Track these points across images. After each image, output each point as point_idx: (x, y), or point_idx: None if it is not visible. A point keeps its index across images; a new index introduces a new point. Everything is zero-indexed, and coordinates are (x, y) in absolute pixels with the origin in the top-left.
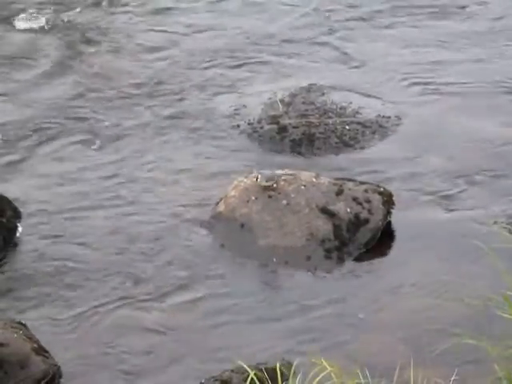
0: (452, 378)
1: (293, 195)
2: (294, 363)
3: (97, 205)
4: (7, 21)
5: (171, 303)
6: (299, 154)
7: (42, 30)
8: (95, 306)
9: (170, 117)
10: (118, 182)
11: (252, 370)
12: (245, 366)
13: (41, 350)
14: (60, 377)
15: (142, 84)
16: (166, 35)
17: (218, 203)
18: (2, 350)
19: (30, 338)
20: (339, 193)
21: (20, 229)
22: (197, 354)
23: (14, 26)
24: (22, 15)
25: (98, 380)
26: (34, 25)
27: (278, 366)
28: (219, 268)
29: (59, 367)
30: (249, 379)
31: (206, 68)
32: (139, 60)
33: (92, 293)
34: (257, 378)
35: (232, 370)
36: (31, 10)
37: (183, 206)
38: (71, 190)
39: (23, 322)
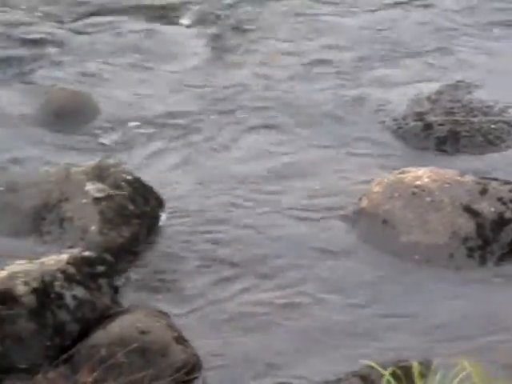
0: None
1: (437, 193)
2: (433, 362)
3: (238, 198)
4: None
5: (309, 297)
6: (444, 151)
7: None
8: (238, 299)
9: (316, 110)
10: (262, 175)
11: (389, 367)
12: (372, 364)
13: (181, 340)
14: (200, 367)
15: (293, 77)
16: (317, 28)
17: (360, 198)
18: (144, 337)
19: (172, 327)
20: (483, 192)
21: (163, 218)
22: (331, 350)
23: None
24: (180, 11)
25: (237, 372)
26: (189, 21)
27: (415, 364)
28: (360, 263)
29: (199, 357)
30: (385, 376)
31: (358, 61)
32: (291, 55)
33: (234, 285)
34: (394, 375)
35: (370, 366)
36: (188, 7)
37: (326, 199)
38: (215, 182)
39: (165, 311)
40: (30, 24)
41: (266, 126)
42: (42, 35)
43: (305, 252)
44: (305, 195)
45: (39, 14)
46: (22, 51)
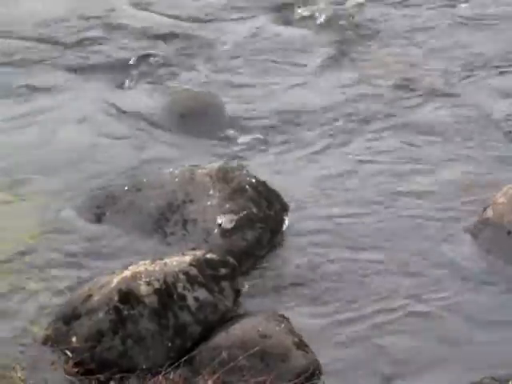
0: None
1: None
2: None
3: (364, 203)
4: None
5: (431, 307)
6: None
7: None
8: (360, 305)
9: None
10: (383, 181)
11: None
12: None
13: (302, 345)
14: (320, 373)
15: (411, 81)
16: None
17: (485, 209)
18: (265, 341)
19: (292, 331)
20: None
21: (287, 222)
22: (454, 361)
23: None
24: (300, 10)
25: (357, 380)
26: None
27: None
28: (484, 273)
29: (319, 363)
30: None
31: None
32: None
33: (356, 291)
34: None
35: (492, 378)
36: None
37: (450, 209)
38: (339, 186)
39: (286, 315)
40: (153, 25)
41: (389, 135)
42: (167, 35)
43: (429, 263)
44: (427, 204)
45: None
46: (148, 50)
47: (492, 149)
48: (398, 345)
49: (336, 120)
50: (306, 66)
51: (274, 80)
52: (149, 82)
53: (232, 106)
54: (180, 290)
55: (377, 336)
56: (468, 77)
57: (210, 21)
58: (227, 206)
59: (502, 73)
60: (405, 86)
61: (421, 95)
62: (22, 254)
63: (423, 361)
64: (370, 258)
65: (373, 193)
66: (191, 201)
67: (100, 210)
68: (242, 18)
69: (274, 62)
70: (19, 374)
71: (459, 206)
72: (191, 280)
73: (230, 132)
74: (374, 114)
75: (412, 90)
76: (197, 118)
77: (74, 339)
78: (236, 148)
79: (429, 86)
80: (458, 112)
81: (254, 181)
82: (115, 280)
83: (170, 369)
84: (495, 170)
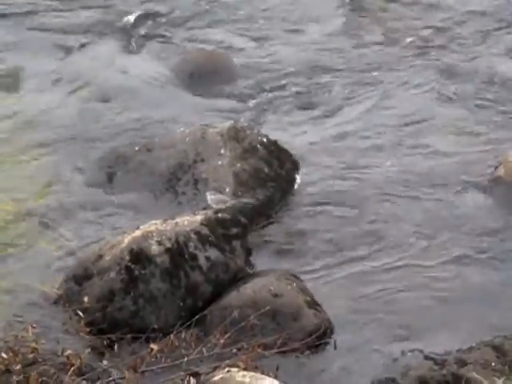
0: None
1: None
2: None
3: (376, 160)
4: None
5: (445, 259)
6: None
7: None
8: (371, 262)
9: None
10: (396, 140)
11: None
12: None
13: (313, 304)
14: (331, 332)
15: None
16: None
17: (497, 167)
18: (276, 300)
19: (304, 290)
20: None
21: (298, 181)
22: (465, 319)
23: None
24: None
25: (368, 337)
26: None
27: None
28: (497, 229)
29: (331, 322)
30: None
31: None
32: None
33: (369, 249)
34: None
35: (505, 336)
36: None
37: (463, 167)
38: (351, 146)
39: (297, 274)
40: None
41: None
42: None
43: (442, 219)
44: (441, 163)
45: None
46: (159, 10)
47: (505, 108)
48: (411, 302)
49: (351, 80)
50: (322, 26)
51: (287, 40)
52: (158, 42)
53: (243, 66)
54: (191, 249)
55: (389, 293)
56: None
57: None
58: (238, 165)
59: None
60: None
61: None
62: (33, 213)
63: (436, 319)
64: (382, 214)
65: (385, 151)
66: (202, 160)
67: (111, 170)
68: None
69: (289, 21)
70: (31, 334)
71: (472, 165)
72: (202, 239)
73: (241, 91)
74: (390, 75)
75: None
76: (207, 78)
77: (85, 299)
78: (247, 107)
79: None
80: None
81: (265, 140)
82: (126, 240)
83: (181, 328)
84: (507, 129)
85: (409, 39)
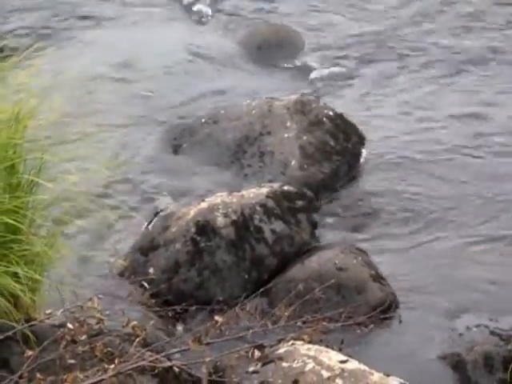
0: None
1: None
2: None
3: (443, 137)
4: None
5: (499, 243)
6: None
7: None
8: (436, 239)
9: None
10: (465, 121)
11: None
12: None
13: (378, 278)
14: (396, 306)
15: None
16: None
17: None
18: (341, 274)
19: (369, 264)
20: None
21: (364, 154)
22: None
23: None
24: None
25: (433, 312)
26: None
27: None
28: None
29: (396, 296)
30: None
31: None
32: None
33: (433, 225)
34: None
35: None
36: None
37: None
38: (418, 120)
39: (363, 248)
40: None
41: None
42: None
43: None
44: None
45: None
46: None
47: None
48: (479, 278)
49: (419, 53)
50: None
51: (354, 15)
52: (226, 14)
53: (310, 39)
54: (257, 222)
55: (457, 269)
56: None
57: None
58: (304, 138)
59: None
60: None
61: None
62: (100, 185)
63: (503, 296)
64: (447, 190)
65: (453, 130)
66: (268, 133)
67: (177, 141)
68: None
69: None
70: (96, 305)
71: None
72: (268, 212)
73: (308, 64)
74: (462, 51)
75: None
76: (274, 51)
77: (151, 270)
78: (314, 80)
79: None
80: None
81: (331, 113)
82: (192, 212)
83: (246, 300)
84: None
85: None
